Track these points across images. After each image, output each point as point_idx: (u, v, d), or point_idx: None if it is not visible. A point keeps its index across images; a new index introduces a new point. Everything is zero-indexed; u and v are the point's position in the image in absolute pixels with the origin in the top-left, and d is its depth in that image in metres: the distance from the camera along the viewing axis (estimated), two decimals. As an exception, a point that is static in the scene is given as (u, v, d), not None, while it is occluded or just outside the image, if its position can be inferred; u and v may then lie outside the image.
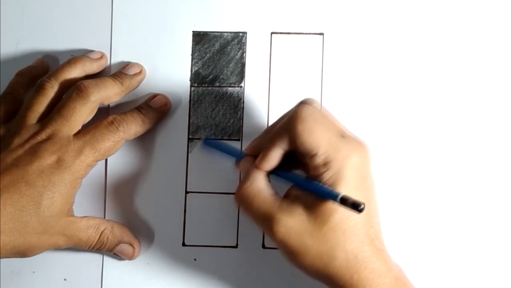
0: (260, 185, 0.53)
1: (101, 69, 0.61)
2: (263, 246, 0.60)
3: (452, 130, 0.60)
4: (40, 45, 0.62)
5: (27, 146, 0.55)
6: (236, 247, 0.60)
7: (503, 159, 0.59)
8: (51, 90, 0.58)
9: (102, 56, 0.61)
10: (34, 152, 0.55)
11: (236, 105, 0.61)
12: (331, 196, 0.49)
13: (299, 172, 0.55)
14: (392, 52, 0.60)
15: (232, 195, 0.60)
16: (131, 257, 0.60)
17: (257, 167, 0.53)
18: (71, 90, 0.57)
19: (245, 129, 0.61)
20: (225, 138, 0.61)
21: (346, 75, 0.60)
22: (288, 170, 0.54)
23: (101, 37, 0.62)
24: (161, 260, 0.61)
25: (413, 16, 0.60)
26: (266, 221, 0.52)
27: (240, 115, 0.61)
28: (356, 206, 0.48)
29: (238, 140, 0.61)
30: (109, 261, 0.61)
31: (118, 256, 0.60)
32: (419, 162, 0.59)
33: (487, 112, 0.60)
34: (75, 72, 0.59)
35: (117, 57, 0.62)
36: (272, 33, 0.61)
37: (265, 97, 0.61)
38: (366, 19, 0.61)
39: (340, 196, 0.49)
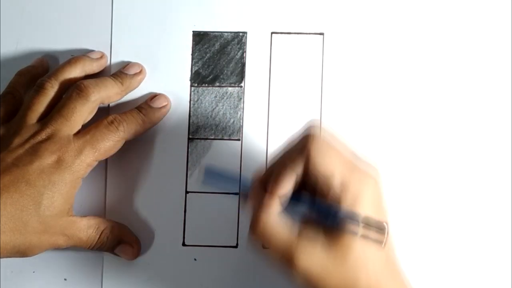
0: (276, 216, 0.50)
1: (101, 69, 0.61)
2: (263, 246, 0.60)
3: (453, 128, 0.60)
4: (40, 45, 0.62)
5: (27, 145, 0.55)
6: (236, 247, 0.60)
7: (505, 161, 0.59)
8: (51, 90, 0.58)
9: (102, 56, 0.61)
10: (34, 151, 0.55)
11: (236, 105, 0.61)
12: (353, 218, 0.48)
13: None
14: (392, 52, 0.60)
15: (232, 195, 0.60)
16: (131, 257, 0.60)
17: (270, 192, 0.50)
18: (71, 90, 0.57)
19: (245, 129, 0.61)
20: (225, 138, 0.61)
21: (346, 75, 0.60)
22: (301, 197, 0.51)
23: (101, 37, 0.62)
24: (161, 260, 0.60)
25: (413, 16, 0.60)
26: (286, 256, 0.49)
27: (240, 115, 0.61)
28: (380, 228, 0.48)
29: (238, 140, 0.61)
30: (109, 261, 0.61)
31: (118, 256, 0.60)
32: (420, 161, 0.59)
33: (488, 112, 0.60)
34: (75, 72, 0.59)
35: (117, 57, 0.62)
36: (272, 33, 0.61)
37: (265, 97, 0.61)
38: (366, 19, 0.61)
39: (362, 217, 0.48)
